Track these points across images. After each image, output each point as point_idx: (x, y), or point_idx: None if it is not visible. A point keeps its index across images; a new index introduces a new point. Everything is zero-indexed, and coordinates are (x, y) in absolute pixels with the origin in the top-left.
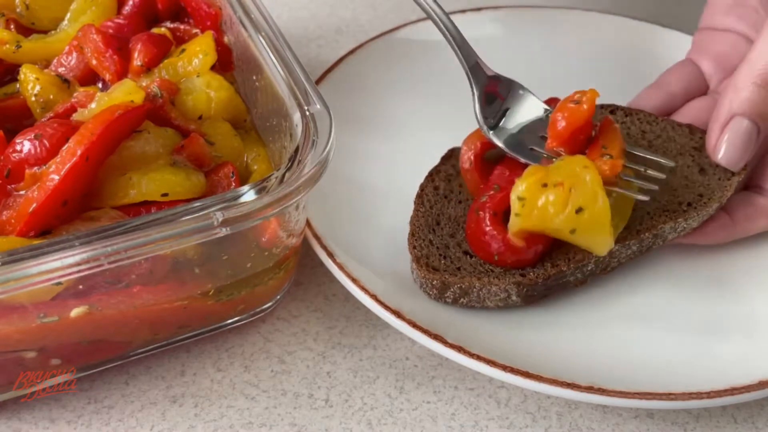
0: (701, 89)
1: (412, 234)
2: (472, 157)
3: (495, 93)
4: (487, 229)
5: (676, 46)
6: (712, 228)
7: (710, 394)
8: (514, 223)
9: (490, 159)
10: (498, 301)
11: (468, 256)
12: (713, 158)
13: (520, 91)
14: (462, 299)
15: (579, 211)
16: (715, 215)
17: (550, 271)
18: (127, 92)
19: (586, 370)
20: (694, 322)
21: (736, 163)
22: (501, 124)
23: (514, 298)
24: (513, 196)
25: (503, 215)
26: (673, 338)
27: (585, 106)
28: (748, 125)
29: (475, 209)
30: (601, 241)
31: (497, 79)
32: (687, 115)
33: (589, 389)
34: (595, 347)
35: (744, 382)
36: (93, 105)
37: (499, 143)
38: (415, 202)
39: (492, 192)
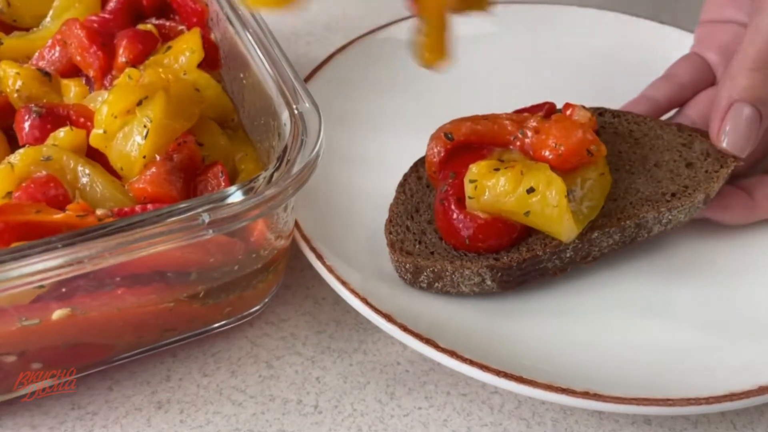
0: (709, 79)
1: (389, 220)
2: (442, 152)
3: None
4: (454, 215)
5: (675, 43)
6: (734, 206)
7: (709, 400)
8: (470, 207)
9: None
10: (473, 285)
11: (443, 241)
12: (718, 146)
13: None
14: (436, 283)
15: (530, 191)
16: (736, 194)
17: (525, 255)
18: (28, 163)
19: (582, 375)
20: (692, 325)
21: (742, 148)
22: None
23: (488, 282)
24: (466, 179)
25: (465, 199)
26: (670, 342)
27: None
28: (749, 110)
29: (440, 200)
30: (561, 225)
31: None
32: (697, 106)
33: (585, 395)
34: (590, 349)
35: (743, 388)
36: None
37: None
38: (396, 190)
39: (450, 180)
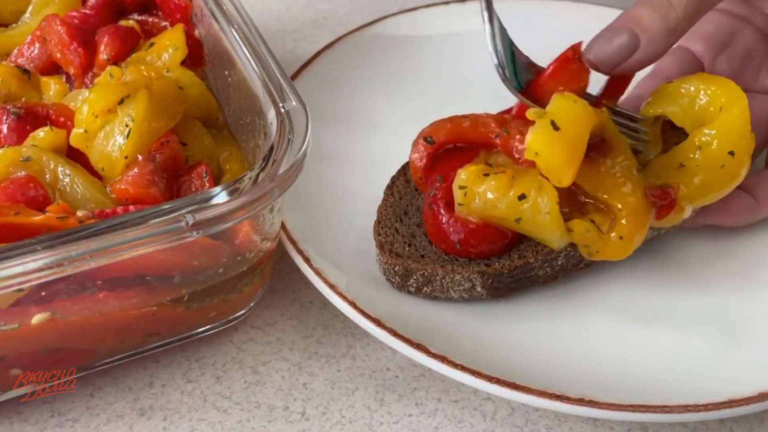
0: (697, 71)
1: (378, 222)
2: (425, 157)
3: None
4: (443, 219)
5: None
6: (736, 208)
7: (707, 407)
8: (460, 212)
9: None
10: (462, 291)
11: (433, 245)
12: (585, 54)
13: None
14: (425, 288)
15: (522, 198)
16: (737, 195)
17: (517, 262)
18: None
19: (577, 381)
20: (689, 330)
21: (602, 61)
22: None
23: (479, 289)
24: (455, 185)
25: (455, 203)
26: (667, 347)
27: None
28: (627, 35)
29: (428, 204)
30: (553, 232)
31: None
32: None
33: (580, 401)
34: (585, 354)
35: (743, 394)
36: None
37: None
38: (384, 192)
39: (437, 184)
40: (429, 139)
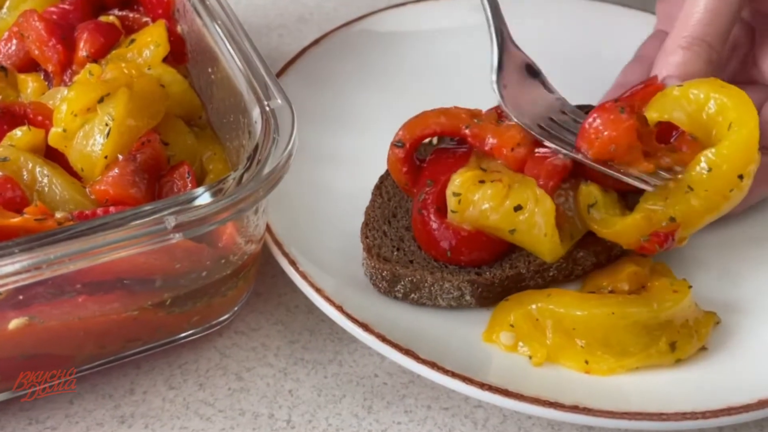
0: None
1: (365, 224)
2: (401, 160)
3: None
4: (434, 226)
5: None
6: None
7: (705, 414)
8: (452, 220)
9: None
10: (451, 299)
11: (422, 250)
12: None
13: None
14: (413, 294)
15: (518, 209)
16: None
17: (508, 272)
18: None
19: (571, 387)
20: None
21: None
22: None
23: (468, 297)
24: (448, 192)
25: (446, 209)
26: None
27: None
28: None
29: (418, 209)
30: (547, 245)
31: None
32: None
33: (574, 409)
34: None
35: (742, 401)
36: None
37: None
38: (373, 193)
39: (427, 188)
40: (399, 143)
